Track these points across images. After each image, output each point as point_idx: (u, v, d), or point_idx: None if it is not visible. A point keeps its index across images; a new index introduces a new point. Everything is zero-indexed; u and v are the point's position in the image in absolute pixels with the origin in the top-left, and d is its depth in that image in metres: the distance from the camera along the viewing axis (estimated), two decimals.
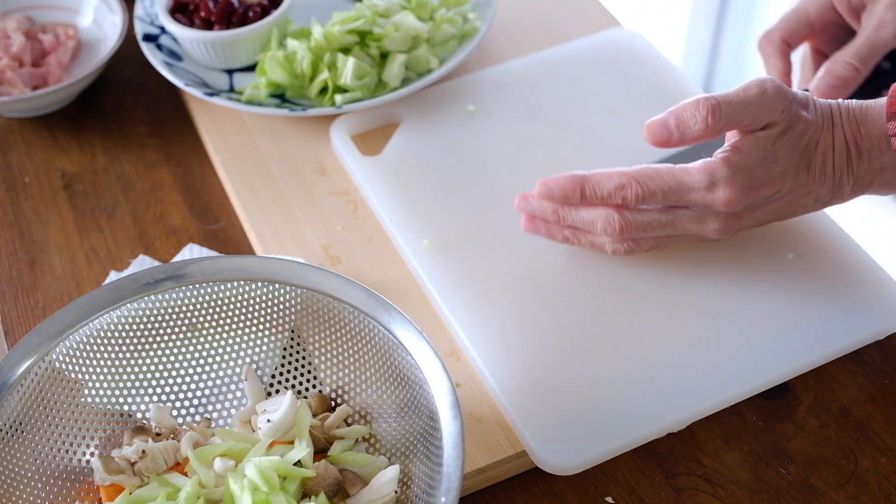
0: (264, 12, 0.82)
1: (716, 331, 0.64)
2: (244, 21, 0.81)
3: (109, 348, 0.59)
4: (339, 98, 0.77)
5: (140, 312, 0.59)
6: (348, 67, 0.77)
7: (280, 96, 0.80)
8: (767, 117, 0.61)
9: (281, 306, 0.60)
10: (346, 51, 0.79)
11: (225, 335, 0.61)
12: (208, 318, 0.60)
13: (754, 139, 0.61)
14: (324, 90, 0.79)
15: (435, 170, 0.74)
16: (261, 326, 0.61)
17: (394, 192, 0.73)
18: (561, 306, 0.65)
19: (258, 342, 0.61)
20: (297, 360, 0.61)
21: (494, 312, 0.65)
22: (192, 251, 0.73)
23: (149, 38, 0.83)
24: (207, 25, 0.81)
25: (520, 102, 0.79)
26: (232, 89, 0.81)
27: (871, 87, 0.76)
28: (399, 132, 0.77)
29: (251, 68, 0.83)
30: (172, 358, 0.60)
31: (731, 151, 0.61)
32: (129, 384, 0.60)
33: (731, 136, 0.63)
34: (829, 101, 0.63)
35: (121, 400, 0.59)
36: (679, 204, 0.63)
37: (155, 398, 0.60)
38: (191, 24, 0.81)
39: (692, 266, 0.67)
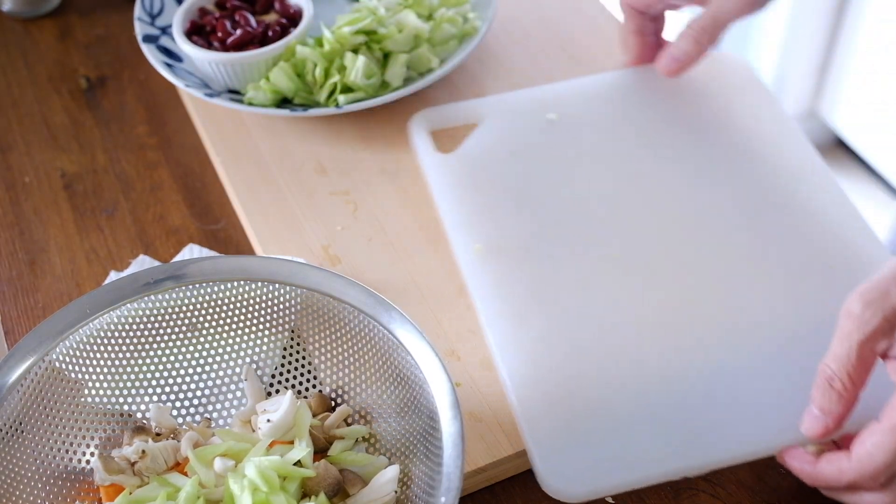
0: (283, 31, 0.81)
1: (767, 377, 0.59)
2: (264, 41, 0.80)
3: (109, 348, 0.59)
4: (341, 98, 0.77)
5: (140, 312, 0.59)
6: (358, 66, 0.77)
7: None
8: None
9: (281, 306, 0.60)
10: (353, 51, 0.79)
11: (225, 335, 0.61)
12: (208, 318, 0.60)
13: None
14: (331, 93, 0.79)
15: (503, 174, 0.71)
16: (261, 326, 0.61)
17: (458, 191, 0.70)
18: (601, 331, 0.62)
19: (258, 342, 0.61)
20: (297, 360, 0.61)
21: (530, 329, 0.62)
22: (192, 251, 0.73)
23: (149, 38, 0.83)
24: (225, 48, 0.80)
25: (605, 118, 0.75)
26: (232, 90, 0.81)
27: None
28: (476, 132, 0.74)
29: None
30: (172, 358, 0.60)
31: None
32: (129, 384, 0.60)
33: None
34: None
35: (121, 400, 0.59)
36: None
37: (155, 398, 0.60)
38: (208, 46, 0.80)
39: (754, 303, 0.63)
